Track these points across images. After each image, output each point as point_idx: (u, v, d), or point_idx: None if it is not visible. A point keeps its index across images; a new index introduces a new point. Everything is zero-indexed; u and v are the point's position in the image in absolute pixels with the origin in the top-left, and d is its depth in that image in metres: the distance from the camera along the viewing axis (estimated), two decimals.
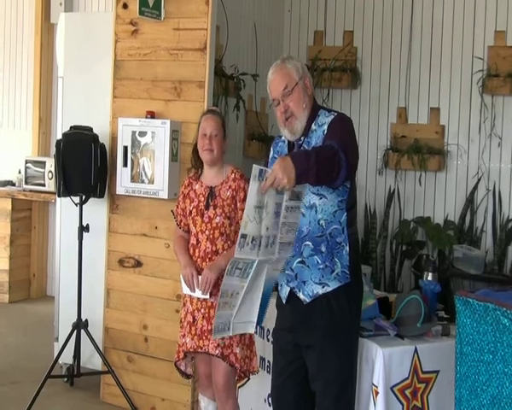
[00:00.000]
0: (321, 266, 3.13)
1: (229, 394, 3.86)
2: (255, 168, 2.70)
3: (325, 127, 3.12)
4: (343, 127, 3.12)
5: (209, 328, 3.75)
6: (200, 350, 3.80)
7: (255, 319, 2.93)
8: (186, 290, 3.83)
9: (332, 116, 3.16)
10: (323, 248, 3.12)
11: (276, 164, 2.72)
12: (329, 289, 3.12)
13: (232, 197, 3.79)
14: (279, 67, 3.20)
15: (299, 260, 3.15)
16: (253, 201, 2.69)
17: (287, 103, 3.15)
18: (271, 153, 3.38)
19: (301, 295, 3.17)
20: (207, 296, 3.74)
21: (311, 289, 3.14)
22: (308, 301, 3.15)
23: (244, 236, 2.69)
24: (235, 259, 2.73)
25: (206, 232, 3.80)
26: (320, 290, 3.13)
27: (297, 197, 2.87)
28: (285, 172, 2.69)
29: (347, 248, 3.15)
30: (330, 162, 2.86)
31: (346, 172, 2.93)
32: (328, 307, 3.13)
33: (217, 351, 3.72)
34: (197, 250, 3.83)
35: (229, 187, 3.81)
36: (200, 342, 3.79)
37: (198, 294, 3.77)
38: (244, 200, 3.62)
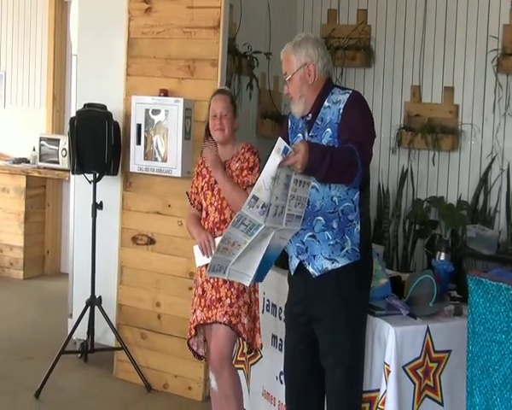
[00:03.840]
0: (331, 242, 3.16)
1: (224, 363, 3.81)
2: (281, 142, 2.80)
3: (341, 106, 3.16)
4: (361, 113, 3.18)
5: (218, 296, 3.77)
6: (208, 321, 3.81)
7: (252, 275, 3.04)
8: (200, 262, 3.84)
9: (347, 94, 3.20)
10: (335, 225, 3.15)
11: (302, 148, 2.83)
12: (338, 265, 3.16)
13: (241, 169, 3.82)
14: (286, 52, 3.31)
15: (310, 234, 3.18)
16: (272, 172, 2.77)
17: (288, 86, 3.29)
18: (289, 123, 3.43)
19: (310, 269, 3.21)
20: None
21: (320, 264, 3.18)
22: (317, 274, 3.20)
23: (255, 198, 2.79)
24: (242, 213, 2.81)
25: (215, 204, 3.84)
26: (329, 266, 3.17)
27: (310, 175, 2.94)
28: (304, 160, 2.82)
29: (358, 226, 3.19)
30: (343, 169, 2.97)
31: (361, 175, 3.03)
32: (338, 283, 3.17)
33: (224, 319, 3.74)
34: (206, 222, 3.89)
35: (239, 159, 3.86)
36: (209, 312, 3.80)
37: None
38: (250, 169, 3.79)
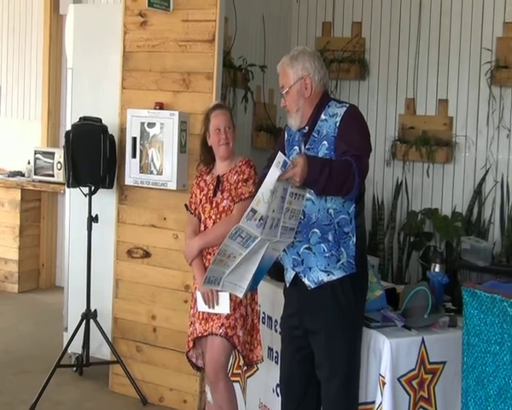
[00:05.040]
0: (327, 255, 3.17)
1: (219, 375, 3.80)
2: (280, 156, 2.83)
3: (338, 119, 3.18)
4: (358, 126, 3.21)
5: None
6: (205, 333, 3.82)
7: (245, 286, 3.06)
8: (202, 308, 3.82)
9: (345, 108, 3.23)
10: (330, 237, 3.17)
11: (300, 162, 2.85)
12: (334, 277, 3.17)
13: (238, 181, 3.83)
14: (283, 65, 3.33)
15: (306, 246, 3.20)
16: (271, 185, 2.80)
17: (285, 99, 3.31)
18: (286, 135, 3.45)
19: (306, 281, 3.23)
20: (227, 311, 3.76)
21: (316, 276, 3.19)
22: (313, 286, 3.21)
23: (254, 211, 2.81)
24: (240, 227, 2.83)
25: (213, 217, 3.86)
26: (325, 278, 3.18)
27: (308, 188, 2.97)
28: (302, 173, 2.84)
29: (354, 239, 3.20)
30: (341, 181, 2.98)
31: (358, 189, 3.05)
32: (334, 295, 3.19)
33: (220, 330, 3.75)
34: None
35: (236, 172, 3.88)
36: (206, 325, 3.81)
37: (218, 309, 3.78)
38: (244, 181, 3.81)
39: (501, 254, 5.90)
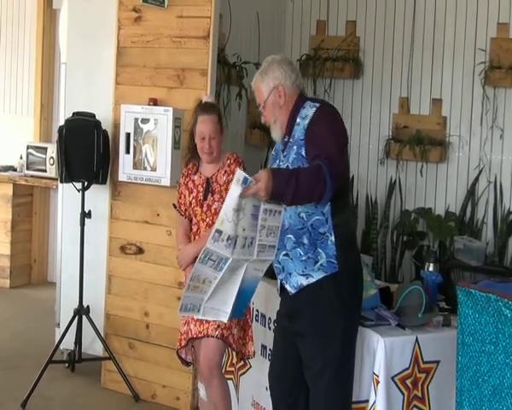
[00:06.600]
0: (303, 258, 3.16)
1: (214, 372, 3.81)
2: (240, 174, 2.74)
3: (307, 121, 3.16)
4: (325, 126, 3.14)
5: None
6: (200, 335, 3.81)
7: (229, 310, 2.93)
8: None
9: (314, 108, 3.19)
10: (305, 240, 3.16)
11: (263, 177, 2.79)
12: (313, 280, 3.15)
13: (228, 182, 3.81)
14: (255, 83, 3.35)
15: (284, 252, 3.20)
16: (233, 204, 2.72)
17: (263, 115, 3.32)
18: (273, 152, 3.45)
19: (288, 287, 3.23)
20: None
21: (295, 281, 3.19)
22: (293, 292, 3.21)
23: (219, 231, 2.71)
24: (208, 249, 2.73)
25: (207, 220, 3.86)
26: (304, 282, 3.17)
27: (276, 201, 2.88)
28: (266, 187, 2.77)
29: (332, 237, 3.15)
30: (311, 189, 2.92)
31: (331, 192, 2.95)
32: (314, 298, 3.16)
33: (217, 332, 3.75)
34: (198, 236, 3.91)
35: (225, 172, 3.87)
36: (201, 326, 3.81)
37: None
38: None
39: (494, 254, 5.92)
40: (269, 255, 2.95)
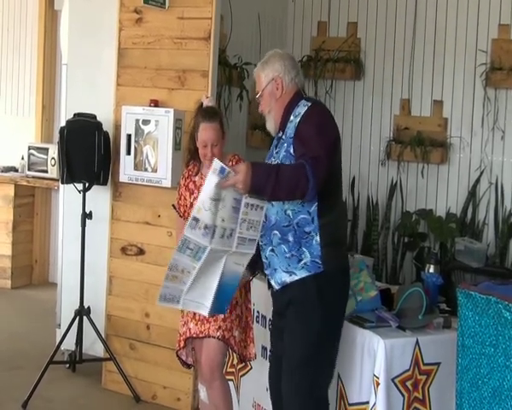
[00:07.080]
0: (287, 255, 3.19)
1: (215, 374, 3.82)
2: (217, 163, 2.81)
3: (298, 120, 3.19)
4: (314, 125, 3.16)
5: None
6: (201, 335, 3.81)
7: (208, 304, 2.98)
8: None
9: (306, 107, 3.22)
10: (290, 238, 3.18)
11: (242, 169, 2.87)
12: (296, 277, 3.18)
13: None
14: (256, 72, 3.41)
15: (271, 248, 3.24)
16: (210, 193, 2.78)
17: (260, 104, 3.38)
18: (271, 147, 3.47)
19: (273, 283, 3.29)
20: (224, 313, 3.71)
21: (279, 277, 3.23)
22: (277, 288, 3.26)
23: (196, 219, 2.78)
24: (186, 237, 2.79)
25: None
26: (287, 279, 3.20)
27: (259, 196, 2.92)
28: (245, 180, 2.84)
29: (318, 238, 3.17)
30: (292, 186, 2.97)
31: (315, 191, 3.00)
32: (297, 296, 3.19)
33: (218, 333, 3.74)
34: None
35: None
36: (202, 326, 3.80)
37: None
38: None
39: (495, 256, 5.91)
40: (249, 249, 3.01)
